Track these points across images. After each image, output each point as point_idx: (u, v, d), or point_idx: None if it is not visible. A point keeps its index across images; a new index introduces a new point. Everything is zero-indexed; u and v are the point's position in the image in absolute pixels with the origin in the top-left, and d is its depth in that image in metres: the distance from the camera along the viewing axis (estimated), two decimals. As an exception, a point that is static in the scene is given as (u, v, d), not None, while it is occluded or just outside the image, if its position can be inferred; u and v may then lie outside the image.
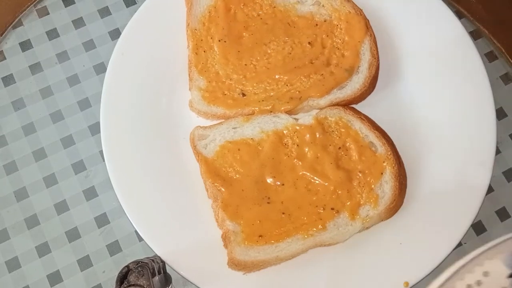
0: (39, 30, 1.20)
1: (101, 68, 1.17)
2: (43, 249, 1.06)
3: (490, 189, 1.07)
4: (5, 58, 1.18)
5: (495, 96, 1.06)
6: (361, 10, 1.10)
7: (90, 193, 1.09)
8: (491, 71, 1.13)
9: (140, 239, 1.04)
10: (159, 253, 0.98)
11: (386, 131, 1.05)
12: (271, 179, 0.99)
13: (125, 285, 0.87)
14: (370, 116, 1.06)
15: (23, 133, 1.13)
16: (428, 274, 0.97)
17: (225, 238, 0.98)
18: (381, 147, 1.01)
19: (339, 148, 1.02)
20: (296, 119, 1.05)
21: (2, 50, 1.18)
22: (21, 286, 1.04)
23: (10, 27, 1.20)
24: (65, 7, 1.22)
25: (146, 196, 1.02)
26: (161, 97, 1.09)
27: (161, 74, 1.10)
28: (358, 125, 1.03)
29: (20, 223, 1.07)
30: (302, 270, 0.99)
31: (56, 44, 1.19)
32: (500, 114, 1.14)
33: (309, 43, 1.09)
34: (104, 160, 1.04)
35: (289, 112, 1.05)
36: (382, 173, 1.00)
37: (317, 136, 1.01)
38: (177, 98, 1.09)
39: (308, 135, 1.01)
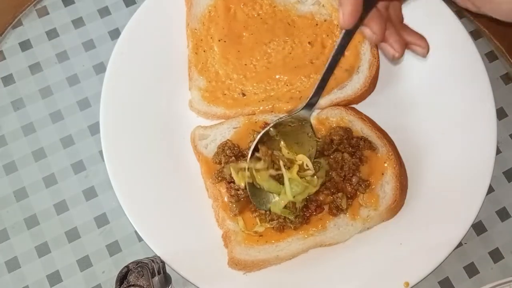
0: (38, 30, 1.20)
1: (100, 68, 1.17)
2: (42, 249, 1.06)
3: (490, 189, 1.07)
4: (4, 58, 1.18)
5: (496, 96, 1.06)
6: (361, 10, 1.10)
7: (90, 193, 1.09)
8: (491, 71, 1.13)
9: (140, 239, 1.04)
10: (159, 253, 0.98)
11: (386, 131, 1.05)
12: None
13: (125, 285, 0.87)
14: (370, 116, 1.06)
15: (22, 133, 1.13)
16: (428, 274, 0.97)
17: (226, 238, 0.98)
18: (382, 148, 1.01)
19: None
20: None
21: (1, 50, 1.18)
22: (21, 286, 1.04)
23: (10, 27, 1.19)
24: (65, 7, 1.21)
25: (146, 196, 1.02)
26: (161, 97, 1.09)
27: (161, 74, 1.10)
28: (359, 126, 1.03)
29: (20, 223, 1.07)
30: (302, 270, 0.98)
31: (55, 44, 1.19)
32: (501, 114, 1.14)
33: (309, 42, 1.09)
34: (103, 160, 1.03)
35: (289, 112, 1.05)
36: (383, 174, 1.00)
37: None
38: (177, 98, 1.09)
39: None
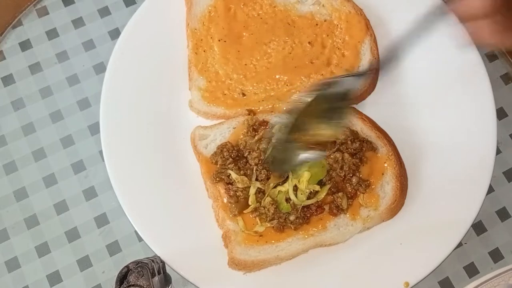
0: (38, 30, 1.20)
1: (100, 68, 1.17)
2: (42, 249, 1.06)
3: (490, 189, 1.07)
4: (4, 58, 1.18)
5: (496, 96, 1.06)
6: (361, 10, 1.10)
7: (90, 193, 1.09)
8: (491, 71, 1.13)
9: (140, 239, 1.04)
10: (159, 253, 0.98)
11: (386, 131, 1.05)
12: None
13: (125, 286, 0.87)
14: (370, 116, 1.06)
15: (22, 133, 1.13)
16: (428, 274, 0.97)
17: (226, 238, 0.98)
18: (382, 148, 1.01)
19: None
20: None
21: (1, 50, 1.18)
22: (21, 286, 1.04)
23: (9, 27, 1.19)
24: (65, 7, 1.22)
25: (146, 196, 1.02)
26: (161, 97, 1.09)
27: (161, 74, 1.10)
28: (359, 126, 1.03)
29: (20, 223, 1.07)
30: (302, 270, 0.98)
31: (55, 44, 1.19)
32: (501, 114, 1.14)
33: (309, 42, 1.09)
34: (103, 160, 1.03)
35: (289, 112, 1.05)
36: (383, 174, 1.00)
37: None
38: (177, 98, 1.09)
39: None
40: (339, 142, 0.99)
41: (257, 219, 0.97)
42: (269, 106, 1.05)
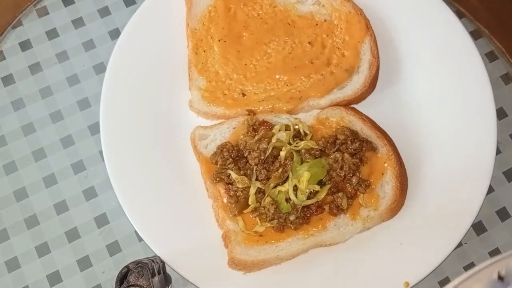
0: (38, 30, 1.20)
1: (100, 68, 1.17)
2: (42, 249, 1.06)
3: (490, 189, 1.07)
4: (4, 58, 1.18)
5: (496, 96, 1.06)
6: (361, 10, 1.10)
7: (90, 193, 1.09)
8: (492, 71, 1.13)
9: (140, 239, 1.04)
10: (159, 253, 0.98)
11: (386, 131, 1.05)
12: None
13: (125, 285, 0.87)
14: (370, 116, 1.06)
15: (22, 133, 1.13)
16: (428, 274, 0.97)
17: (226, 238, 0.98)
18: (382, 148, 1.01)
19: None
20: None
21: (1, 50, 1.18)
22: (21, 286, 1.04)
23: (9, 27, 1.19)
24: (65, 7, 1.22)
25: (146, 196, 1.02)
26: (161, 97, 1.09)
27: (161, 73, 1.10)
28: (359, 126, 1.03)
29: (20, 223, 1.07)
30: (302, 270, 0.98)
31: (55, 44, 1.19)
32: (500, 114, 1.14)
33: (309, 42, 1.09)
34: (103, 160, 1.03)
35: (289, 112, 1.05)
36: (383, 174, 1.00)
37: None
38: (177, 98, 1.09)
39: None
40: (339, 142, 0.99)
41: (257, 219, 0.97)
42: (269, 106, 1.05)
